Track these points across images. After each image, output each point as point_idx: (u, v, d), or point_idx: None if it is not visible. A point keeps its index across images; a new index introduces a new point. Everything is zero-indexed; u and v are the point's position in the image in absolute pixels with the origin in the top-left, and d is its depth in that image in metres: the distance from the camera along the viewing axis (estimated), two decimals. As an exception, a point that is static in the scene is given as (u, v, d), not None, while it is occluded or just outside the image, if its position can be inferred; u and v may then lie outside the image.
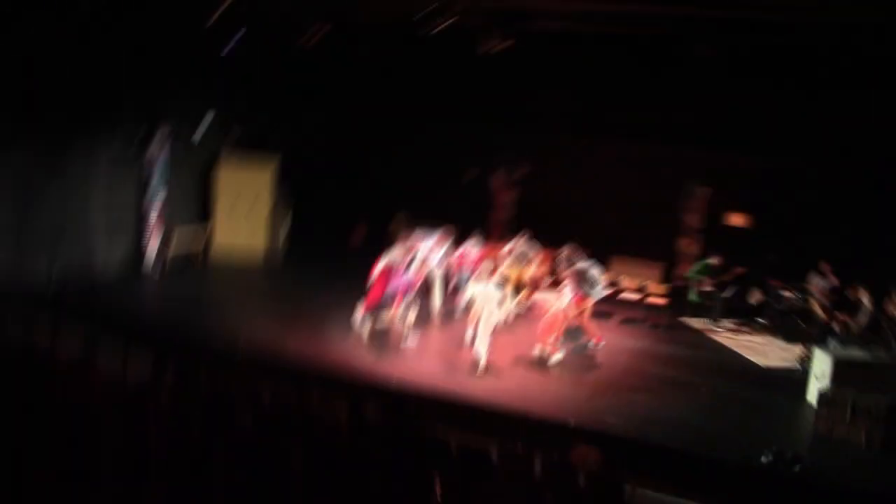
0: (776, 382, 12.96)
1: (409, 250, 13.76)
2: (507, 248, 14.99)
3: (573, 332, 13.50)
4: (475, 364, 12.25)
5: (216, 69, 17.57)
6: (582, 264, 13.62)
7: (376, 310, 13.60)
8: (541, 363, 12.86)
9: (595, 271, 13.65)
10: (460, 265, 15.18)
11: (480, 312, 12.51)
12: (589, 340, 13.92)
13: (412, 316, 13.34)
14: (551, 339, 13.01)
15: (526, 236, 15.07)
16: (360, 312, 13.91)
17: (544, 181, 18.67)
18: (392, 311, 13.70)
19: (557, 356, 12.93)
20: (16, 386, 8.21)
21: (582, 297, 13.45)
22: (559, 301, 13.10)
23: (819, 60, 11.87)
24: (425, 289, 14.83)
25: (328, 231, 20.79)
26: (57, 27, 14.15)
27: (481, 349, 12.24)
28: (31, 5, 12.59)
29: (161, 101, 16.96)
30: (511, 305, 15.03)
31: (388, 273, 13.36)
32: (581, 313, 13.79)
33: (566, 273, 13.40)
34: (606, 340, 14.21)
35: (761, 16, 9.37)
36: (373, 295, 13.76)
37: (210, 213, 18.65)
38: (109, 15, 13.56)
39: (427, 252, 14.61)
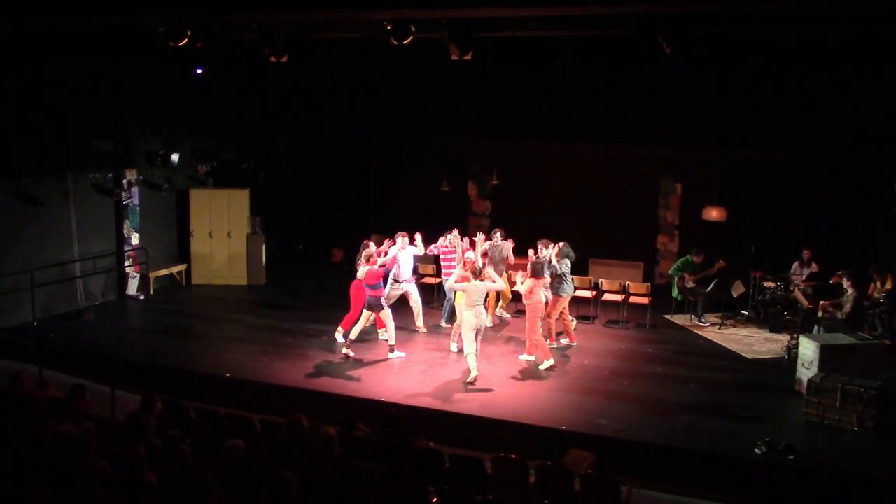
0: (764, 373, 12.98)
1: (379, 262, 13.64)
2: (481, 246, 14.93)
3: None
4: (465, 373, 12.21)
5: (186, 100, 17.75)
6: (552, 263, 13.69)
7: (356, 325, 13.60)
8: (531, 369, 12.84)
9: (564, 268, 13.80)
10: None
11: (463, 322, 12.46)
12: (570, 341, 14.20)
13: (392, 328, 13.31)
14: (539, 343, 12.98)
15: (499, 234, 15.07)
16: (341, 330, 13.98)
17: (520, 187, 18.73)
18: (367, 324, 13.66)
19: (548, 362, 12.91)
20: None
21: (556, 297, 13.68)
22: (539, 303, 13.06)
23: (789, 50, 11.95)
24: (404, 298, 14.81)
25: (307, 252, 20.80)
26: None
27: (470, 359, 12.19)
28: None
29: (132, 133, 17.07)
30: (491, 314, 15.08)
31: (363, 288, 13.30)
32: (561, 313, 13.91)
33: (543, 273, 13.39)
34: (592, 343, 14.27)
35: (727, 9, 9.43)
36: (352, 311, 13.84)
37: (188, 238, 18.60)
38: (74, 57, 13.65)
39: (398, 260, 14.50)
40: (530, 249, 14.32)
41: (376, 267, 13.18)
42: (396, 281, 14.44)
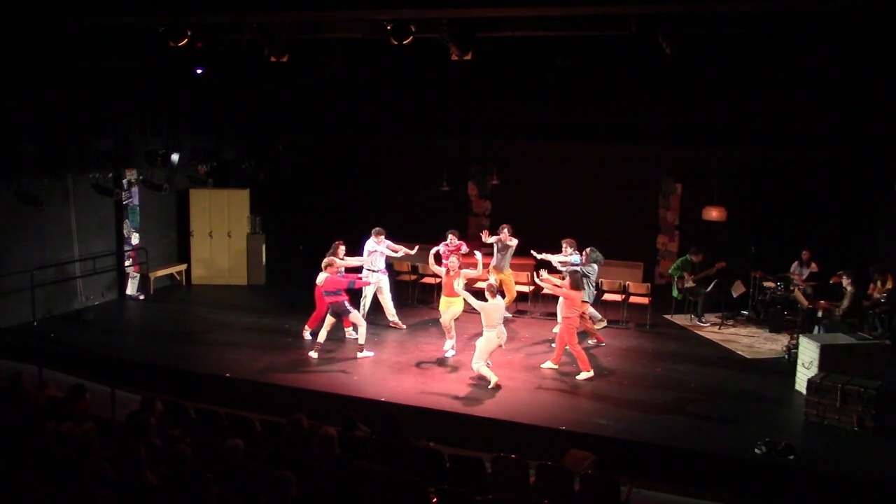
0: (764, 373, 12.98)
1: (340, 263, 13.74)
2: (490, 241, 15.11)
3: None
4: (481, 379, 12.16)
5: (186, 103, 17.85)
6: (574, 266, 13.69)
7: (321, 327, 13.50)
8: (530, 369, 12.82)
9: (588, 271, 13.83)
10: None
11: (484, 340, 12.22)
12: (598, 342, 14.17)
13: (363, 328, 13.34)
14: (579, 353, 12.76)
15: (504, 232, 15.13)
16: (307, 328, 14.07)
17: (520, 187, 18.71)
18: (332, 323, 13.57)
19: (586, 374, 12.61)
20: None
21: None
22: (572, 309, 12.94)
23: (789, 50, 11.97)
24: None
25: (307, 252, 20.76)
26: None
27: (483, 370, 12.05)
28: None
29: (132, 133, 17.13)
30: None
31: (327, 287, 13.20)
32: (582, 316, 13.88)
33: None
34: (592, 343, 14.26)
35: (727, 9, 9.43)
36: (318, 310, 13.86)
37: (188, 238, 18.62)
38: (74, 57, 13.70)
39: (369, 257, 14.63)
40: (559, 255, 14.31)
41: (339, 275, 13.27)
42: (370, 270, 14.56)
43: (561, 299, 13.00)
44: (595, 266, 13.94)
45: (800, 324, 14.28)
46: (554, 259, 14.45)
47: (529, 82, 16.51)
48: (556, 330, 14.78)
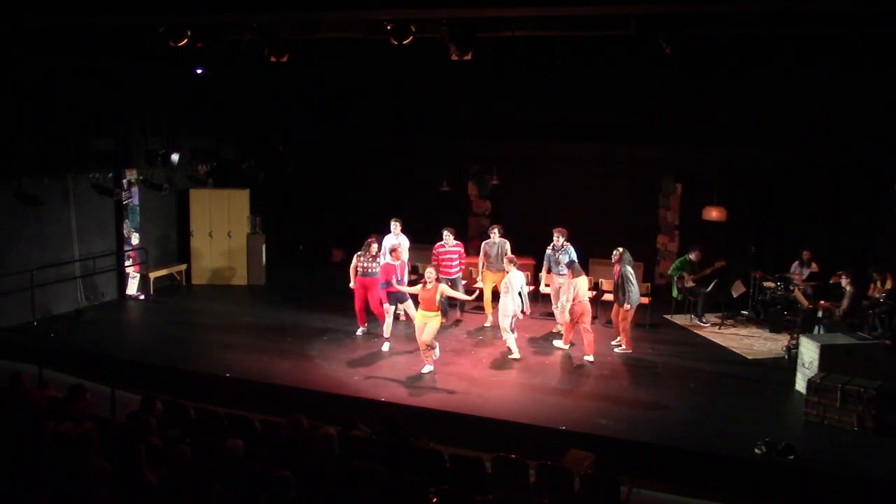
0: (764, 373, 12.98)
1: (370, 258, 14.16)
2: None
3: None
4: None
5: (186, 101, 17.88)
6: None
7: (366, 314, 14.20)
8: (531, 369, 12.80)
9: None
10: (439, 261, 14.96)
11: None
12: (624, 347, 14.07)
13: (389, 318, 13.67)
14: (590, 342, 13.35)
15: (496, 231, 15.18)
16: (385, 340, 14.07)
17: (520, 187, 18.70)
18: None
19: (589, 357, 13.28)
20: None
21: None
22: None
23: (789, 50, 11.98)
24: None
25: (307, 252, 20.77)
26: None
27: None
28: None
29: (132, 133, 17.13)
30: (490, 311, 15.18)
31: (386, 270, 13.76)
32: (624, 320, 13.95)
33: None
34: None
35: (728, 9, 9.43)
36: (357, 304, 14.37)
37: (188, 238, 18.63)
38: (74, 57, 13.72)
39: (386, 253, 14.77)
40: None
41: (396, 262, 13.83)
42: None
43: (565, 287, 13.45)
44: (629, 267, 13.85)
45: (800, 324, 14.28)
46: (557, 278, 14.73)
47: (529, 82, 16.49)
48: (556, 330, 14.86)
